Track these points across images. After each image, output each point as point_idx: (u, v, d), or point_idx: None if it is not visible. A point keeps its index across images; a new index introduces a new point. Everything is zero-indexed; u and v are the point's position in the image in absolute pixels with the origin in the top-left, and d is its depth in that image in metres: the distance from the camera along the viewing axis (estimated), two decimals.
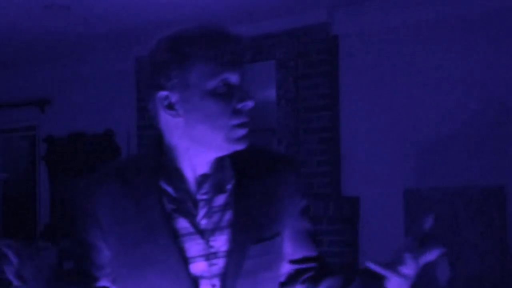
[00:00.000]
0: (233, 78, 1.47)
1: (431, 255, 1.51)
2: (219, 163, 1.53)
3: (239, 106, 1.47)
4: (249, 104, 1.48)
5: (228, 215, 1.51)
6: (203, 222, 1.50)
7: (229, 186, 1.52)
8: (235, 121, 1.47)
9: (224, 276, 1.50)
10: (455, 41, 4.45)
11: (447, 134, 4.44)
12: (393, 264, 1.48)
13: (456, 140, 4.41)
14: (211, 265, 1.50)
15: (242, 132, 1.48)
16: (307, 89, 4.95)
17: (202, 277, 1.50)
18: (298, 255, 1.62)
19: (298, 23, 4.91)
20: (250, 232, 1.51)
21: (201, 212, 1.50)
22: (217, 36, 1.47)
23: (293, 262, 1.61)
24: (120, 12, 4.82)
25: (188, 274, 1.49)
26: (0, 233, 6.88)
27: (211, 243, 1.50)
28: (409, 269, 1.50)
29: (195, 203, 1.51)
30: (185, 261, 1.49)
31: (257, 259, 1.51)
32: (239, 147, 1.49)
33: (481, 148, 4.31)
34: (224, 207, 1.52)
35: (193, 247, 1.50)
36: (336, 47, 4.92)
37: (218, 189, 1.52)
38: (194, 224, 1.50)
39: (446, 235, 3.89)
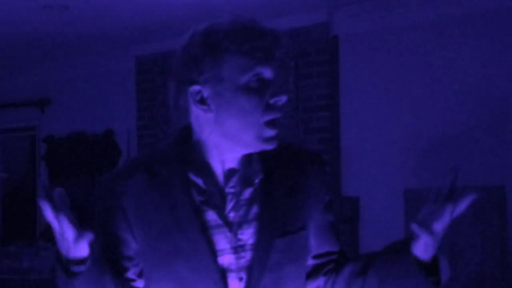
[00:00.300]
0: (267, 72, 1.46)
1: (463, 204, 1.50)
2: (247, 157, 1.53)
3: (272, 101, 1.46)
4: (283, 98, 1.46)
5: (255, 209, 1.52)
6: (231, 215, 1.50)
7: (256, 180, 1.52)
8: (267, 117, 1.46)
9: (250, 269, 1.49)
10: (455, 41, 4.45)
11: (447, 134, 4.44)
12: (423, 222, 1.46)
13: (456, 140, 4.40)
14: (238, 258, 1.50)
15: (272, 132, 1.47)
16: (307, 89, 4.95)
17: (229, 270, 1.49)
18: (323, 249, 1.62)
19: (298, 23, 4.91)
20: (276, 225, 1.51)
21: (229, 205, 1.51)
22: (250, 30, 1.46)
23: (317, 256, 1.62)
24: (120, 12, 4.82)
25: (217, 266, 1.48)
26: (0, 233, 6.88)
27: (239, 236, 1.50)
28: (440, 224, 1.49)
29: (223, 196, 1.51)
30: (214, 253, 1.48)
31: (283, 252, 1.51)
32: (269, 147, 1.49)
33: (481, 148, 4.31)
34: (251, 201, 1.52)
35: (221, 240, 1.50)
36: (336, 47, 4.92)
37: (246, 182, 1.52)
38: (223, 217, 1.50)
39: (446, 235, 3.89)
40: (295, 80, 4.98)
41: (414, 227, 1.44)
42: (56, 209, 1.40)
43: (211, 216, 1.50)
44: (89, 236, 1.40)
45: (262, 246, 1.50)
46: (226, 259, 1.50)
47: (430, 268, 1.50)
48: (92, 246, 1.41)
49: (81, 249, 1.40)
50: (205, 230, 1.49)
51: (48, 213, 1.40)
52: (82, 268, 1.40)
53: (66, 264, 1.41)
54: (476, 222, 3.83)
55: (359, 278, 1.58)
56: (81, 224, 1.45)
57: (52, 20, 4.97)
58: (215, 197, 1.50)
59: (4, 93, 6.67)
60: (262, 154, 1.54)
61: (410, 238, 1.49)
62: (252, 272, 1.49)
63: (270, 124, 1.46)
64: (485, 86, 4.34)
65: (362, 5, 4.72)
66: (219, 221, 1.50)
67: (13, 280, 5.80)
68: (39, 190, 1.27)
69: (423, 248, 1.48)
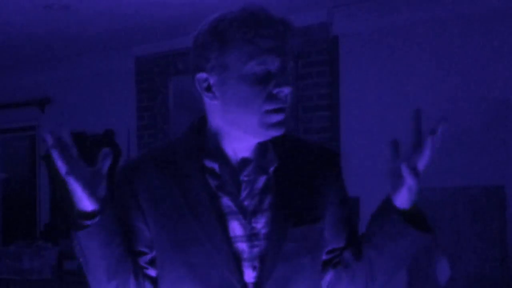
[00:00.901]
0: (271, 61, 1.46)
1: (440, 132, 1.53)
2: (262, 147, 1.53)
3: (275, 91, 1.46)
4: (285, 90, 1.46)
5: (269, 198, 1.52)
6: (246, 203, 1.51)
7: (271, 169, 1.53)
8: (269, 106, 1.46)
9: (264, 258, 1.49)
10: (455, 41, 4.45)
11: (447, 134, 4.44)
12: (395, 179, 1.51)
13: (456, 140, 4.40)
14: (252, 246, 1.50)
15: (276, 117, 1.47)
16: (307, 89, 4.95)
17: (242, 258, 1.49)
18: (338, 244, 1.61)
19: (298, 23, 4.88)
20: (291, 215, 1.51)
21: (244, 192, 1.51)
22: (257, 18, 1.46)
23: (331, 251, 1.61)
24: (120, 12, 4.82)
25: (233, 253, 1.48)
26: (0, 233, 6.88)
27: (253, 225, 1.50)
28: (422, 161, 1.54)
29: (238, 184, 1.51)
30: (229, 240, 1.49)
31: (297, 242, 1.51)
32: (275, 132, 1.48)
33: (481, 148, 4.31)
34: (265, 190, 1.52)
35: (236, 227, 1.50)
36: (336, 47, 4.92)
37: (260, 171, 1.52)
38: (237, 204, 1.50)
39: (446, 235, 3.89)
40: (295, 80, 4.98)
41: (404, 167, 1.48)
42: (64, 153, 1.49)
43: (226, 202, 1.50)
44: (102, 178, 1.50)
45: (275, 235, 1.49)
46: (240, 246, 1.49)
47: (416, 221, 1.53)
48: (104, 202, 1.46)
49: (89, 203, 1.46)
50: (220, 216, 1.49)
51: (58, 160, 1.48)
52: (89, 222, 1.44)
53: (76, 216, 1.45)
54: (476, 222, 3.83)
55: (360, 260, 1.58)
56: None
57: (52, 20, 4.97)
58: (230, 184, 1.51)
59: (4, 93, 6.67)
60: (277, 145, 1.54)
61: (389, 199, 1.52)
62: (266, 261, 1.49)
63: (272, 112, 1.46)
64: (485, 86, 4.34)
65: (362, 5, 4.72)
66: (234, 208, 1.50)
67: (13, 280, 5.80)
68: (46, 138, 1.27)
69: (407, 194, 1.52)
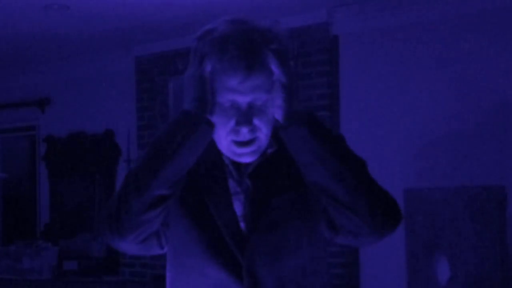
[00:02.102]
0: (241, 99, 1.49)
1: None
2: None
3: (236, 127, 1.50)
4: (243, 130, 1.49)
5: (261, 180, 1.58)
6: (246, 183, 1.58)
7: (269, 151, 1.59)
8: (235, 138, 1.51)
9: (251, 224, 1.56)
10: (455, 41, 4.45)
11: (447, 134, 4.44)
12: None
13: (456, 140, 4.40)
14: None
15: (241, 150, 1.52)
16: (307, 89, 4.95)
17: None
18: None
19: (298, 23, 4.91)
20: (277, 184, 1.57)
21: (245, 173, 1.59)
22: (233, 46, 1.48)
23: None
24: (120, 12, 4.82)
25: (240, 231, 1.56)
26: (0, 233, 6.88)
27: (250, 204, 1.57)
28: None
29: (239, 167, 1.59)
30: (236, 219, 1.56)
31: (283, 210, 1.56)
32: (243, 160, 1.55)
33: (481, 148, 4.31)
34: (258, 171, 1.58)
35: (238, 207, 1.57)
36: (336, 47, 4.92)
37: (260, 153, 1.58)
38: (240, 184, 1.58)
39: (446, 235, 3.89)
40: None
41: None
42: None
43: (231, 183, 1.59)
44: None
45: (261, 198, 1.56)
46: (242, 226, 1.57)
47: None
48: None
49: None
50: (229, 196, 1.58)
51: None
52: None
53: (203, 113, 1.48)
54: (476, 222, 3.83)
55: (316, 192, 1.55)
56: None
57: (52, 20, 4.97)
58: (232, 166, 1.59)
59: (4, 93, 6.67)
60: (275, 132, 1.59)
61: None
62: (253, 230, 1.56)
63: (237, 144, 1.51)
64: (485, 86, 4.34)
65: (362, 5, 4.72)
66: (237, 188, 1.58)
67: (13, 280, 5.80)
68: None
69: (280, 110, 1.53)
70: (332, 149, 1.47)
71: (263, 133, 1.52)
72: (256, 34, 1.51)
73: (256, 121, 1.49)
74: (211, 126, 1.47)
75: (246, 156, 1.54)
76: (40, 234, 6.34)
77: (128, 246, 1.52)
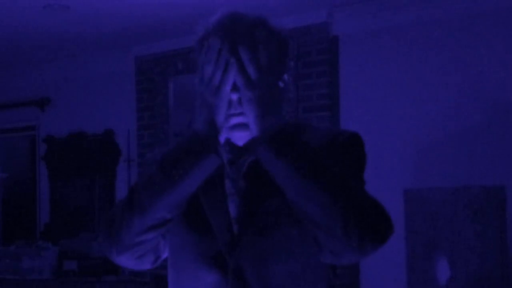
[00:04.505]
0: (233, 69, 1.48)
1: None
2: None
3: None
4: (233, 96, 1.47)
5: (251, 181, 1.56)
6: (241, 184, 1.56)
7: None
8: (227, 112, 1.48)
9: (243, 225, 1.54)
10: (455, 41, 4.45)
11: (447, 134, 4.44)
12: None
13: (456, 140, 4.40)
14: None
15: (233, 121, 1.48)
16: (307, 89, 4.95)
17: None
18: None
19: (298, 23, 4.91)
20: (272, 187, 1.50)
21: (240, 173, 1.57)
22: (226, 26, 1.50)
23: None
24: (120, 12, 4.83)
25: (232, 234, 1.54)
26: (0, 233, 6.88)
27: (244, 206, 1.55)
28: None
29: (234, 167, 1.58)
30: (229, 221, 1.54)
31: (276, 214, 1.52)
32: (235, 134, 1.51)
33: (481, 148, 4.31)
34: (250, 171, 1.56)
35: (232, 208, 1.55)
36: (336, 47, 4.92)
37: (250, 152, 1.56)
38: (234, 185, 1.56)
39: (446, 235, 3.89)
40: (295, 80, 4.98)
41: None
42: None
43: (227, 184, 1.57)
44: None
45: (253, 197, 1.54)
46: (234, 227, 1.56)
47: None
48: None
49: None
50: (225, 197, 1.56)
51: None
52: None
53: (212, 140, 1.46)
54: (476, 222, 3.83)
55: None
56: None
57: (52, 20, 4.97)
58: (228, 167, 1.58)
59: (4, 93, 6.67)
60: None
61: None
62: (244, 236, 1.53)
63: (230, 115, 1.49)
64: (485, 86, 4.34)
65: (362, 5, 4.72)
66: (233, 189, 1.56)
67: (13, 280, 5.80)
68: None
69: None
70: (303, 169, 1.41)
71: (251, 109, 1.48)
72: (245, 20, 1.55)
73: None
74: (219, 156, 1.46)
75: (240, 128, 1.49)
76: (40, 234, 6.34)
77: (125, 261, 1.55)
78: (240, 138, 1.53)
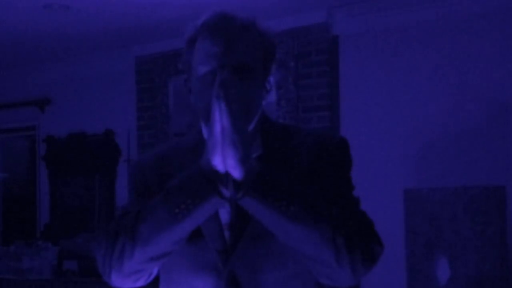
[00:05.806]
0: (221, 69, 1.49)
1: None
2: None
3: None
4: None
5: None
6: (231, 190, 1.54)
7: (254, 155, 1.51)
8: None
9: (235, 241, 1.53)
10: (455, 41, 4.45)
11: (447, 134, 4.44)
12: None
13: (456, 140, 4.40)
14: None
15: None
16: (307, 89, 4.95)
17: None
18: None
19: (298, 23, 4.91)
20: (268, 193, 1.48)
21: (230, 181, 1.52)
22: (215, 26, 1.52)
23: None
24: (120, 12, 4.83)
25: (224, 241, 1.53)
26: (0, 233, 6.88)
27: (235, 212, 1.54)
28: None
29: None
30: (221, 227, 1.54)
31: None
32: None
33: (481, 148, 4.31)
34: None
35: (224, 214, 1.55)
36: (336, 47, 4.92)
37: None
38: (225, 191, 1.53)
39: (446, 235, 3.89)
40: (295, 80, 4.98)
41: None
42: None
43: None
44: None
45: (241, 216, 1.53)
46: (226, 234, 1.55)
47: None
48: None
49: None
50: None
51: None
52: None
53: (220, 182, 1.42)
54: (476, 222, 3.83)
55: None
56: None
57: (52, 20, 4.97)
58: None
59: (4, 93, 6.67)
60: (267, 134, 1.58)
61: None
62: (238, 244, 1.53)
63: None
64: (485, 86, 4.34)
65: (362, 5, 4.72)
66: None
67: (13, 280, 5.80)
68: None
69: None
70: (289, 212, 1.40)
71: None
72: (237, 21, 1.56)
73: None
74: (222, 197, 1.42)
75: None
76: (40, 234, 6.34)
77: (121, 284, 1.55)
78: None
